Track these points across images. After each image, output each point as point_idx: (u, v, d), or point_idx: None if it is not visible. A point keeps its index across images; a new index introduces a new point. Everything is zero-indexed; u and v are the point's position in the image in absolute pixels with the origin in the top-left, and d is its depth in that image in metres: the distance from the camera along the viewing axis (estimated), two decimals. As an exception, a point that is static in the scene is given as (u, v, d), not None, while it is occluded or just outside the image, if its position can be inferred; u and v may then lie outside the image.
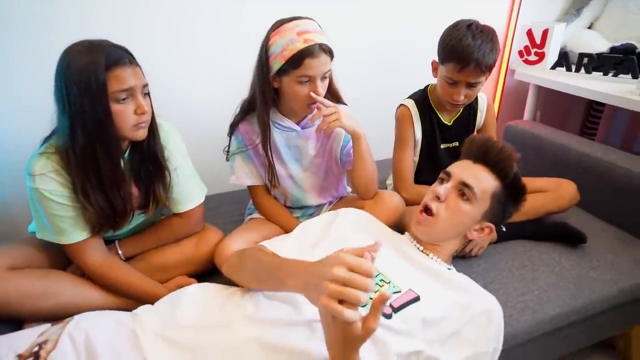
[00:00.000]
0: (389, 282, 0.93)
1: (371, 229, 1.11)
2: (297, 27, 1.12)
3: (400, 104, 1.46)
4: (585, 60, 1.85)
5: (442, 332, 0.88)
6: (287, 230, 1.30)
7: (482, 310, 0.91)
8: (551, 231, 1.37)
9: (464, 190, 1.01)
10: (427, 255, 1.06)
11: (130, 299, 1.12)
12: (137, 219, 1.18)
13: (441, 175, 1.09)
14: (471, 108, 1.47)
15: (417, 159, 1.47)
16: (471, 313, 0.90)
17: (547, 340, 1.19)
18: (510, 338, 1.05)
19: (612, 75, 1.80)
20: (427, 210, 1.05)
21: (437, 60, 1.34)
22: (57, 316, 0.94)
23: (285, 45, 1.10)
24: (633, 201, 1.43)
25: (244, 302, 0.90)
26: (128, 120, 0.99)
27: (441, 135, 1.46)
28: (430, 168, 1.43)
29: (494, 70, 1.46)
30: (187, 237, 1.25)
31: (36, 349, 0.83)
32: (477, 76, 1.26)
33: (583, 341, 1.32)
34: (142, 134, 1.04)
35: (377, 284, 0.92)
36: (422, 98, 1.45)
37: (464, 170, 1.05)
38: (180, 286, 1.14)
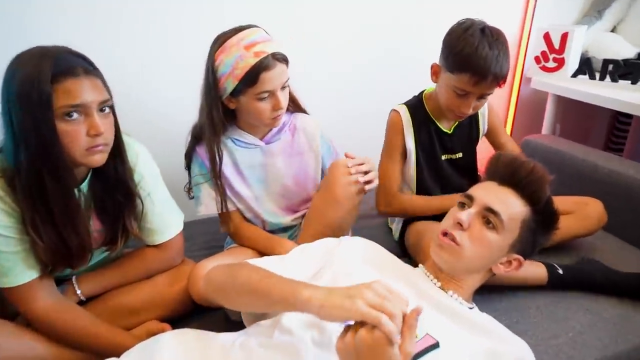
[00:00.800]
0: None
1: (380, 262, 1.03)
2: (242, 41, 1.08)
3: (392, 109, 1.39)
4: (611, 67, 1.79)
5: None
6: (273, 251, 1.21)
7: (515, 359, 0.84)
8: (629, 285, 1.20)
9: (489, 217, 0.93)
10: (446, 292, 0.97)
11: (89, 353, 1.01)
12: (99, 255, 1.09)
13: (461, 199, 1.00)
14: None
15: (413, 172, 1.39)
16: None
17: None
18: None
19: (642, 84, 1.74)
20: (448, 236, 0.96)
21: (438, 64, 1.27)
22: None
23: (235, 63, 1.07)
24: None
25: (232, 353, 0.82)
26: (79, 142, 0.89)
27: (441, 145, 1.39)
28: (432, 182, 1.39)
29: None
30: (160, 274, 1.16)
31: None
32: (491, 88, 1.21)
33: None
34: (98, 159, 0.93)
35: None
36: (416, 105, 1.38)
37: (489, 193, 0.96)
38: (152, 333, 1.04)
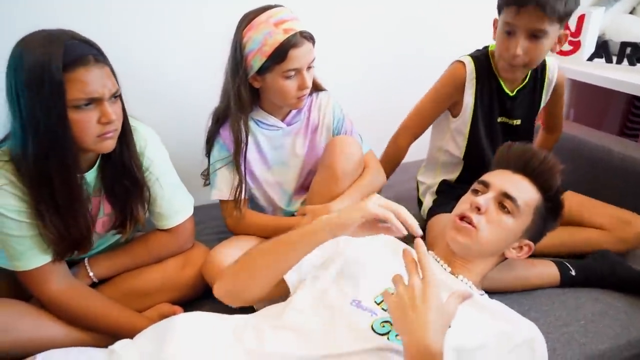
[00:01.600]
0: None
1: (390, 247, 1.04)
2: (271, 18, 1.07)
3: (457, 60, 1.32)
4: (629, 50, 1.74)
5: None
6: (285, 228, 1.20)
7: (523, 340, 0.85)
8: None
9: (504, 203, 0.96)
10: (457, 277, 0.98)
11: (102, 334, 1.02)
12: (111, 238, 1.10)
13: (475, 186, 1.02)
14: (537, 76, 1.32)
15: (467, 129, 1.33)
16: (512, 343, 0.84)
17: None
18: None
19: (660, 68, 1.70)
20: (465, 219, 0.98)
21: (497, 17, 1.22)
22: (15, 355, 0.87)
23: (264, 39, 1.06)
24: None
25: (244, 334, 0.83)
26: (90, 130, 0.89)
27: (500, 106, 1.33)
28: (486, 142, 1.33)
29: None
30: (172, 257, 1.16)
31: None
32: (539, 21, 1.11)
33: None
34: (108, 145, 0.93)
35: None
36: (482, 58, 1.30)
37: (505, 180, 0.99)
38: (164, 316, 1.08)
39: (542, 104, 1.37)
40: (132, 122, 1.02)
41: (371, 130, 1.44)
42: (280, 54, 1.06)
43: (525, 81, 1.31)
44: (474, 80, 1.29)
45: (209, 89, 1.24)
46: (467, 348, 0.81)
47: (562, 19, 1.14)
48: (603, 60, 1.82)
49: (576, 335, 1.07)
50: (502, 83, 1.30)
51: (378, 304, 0.88)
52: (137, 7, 1.39)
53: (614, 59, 1.78)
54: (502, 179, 0.99)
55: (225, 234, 1.36)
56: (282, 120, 1.23)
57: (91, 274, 1.08)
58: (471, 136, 1.34)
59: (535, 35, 1.14)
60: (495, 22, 1.24)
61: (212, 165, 1.23)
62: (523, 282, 1.16)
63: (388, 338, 0.81)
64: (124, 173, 1.02)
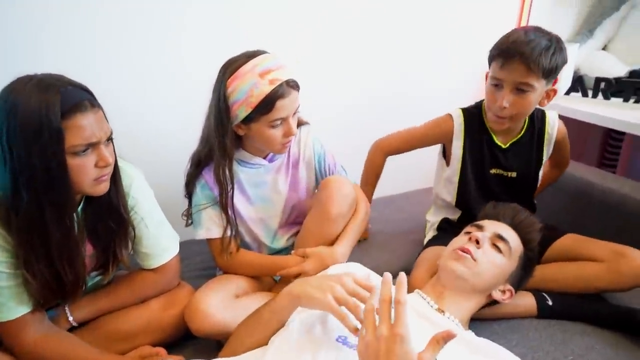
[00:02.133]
0: None
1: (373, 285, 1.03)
2: (257, 67, 1.07)
3: (447, 113, 1.36)
4: (603, 85, 1.81)
5: None
6: (277, 267, 1.22)
7: None
8: (614, 318, 1.16)
9: (497, 243, 1.03)
10: (443, 314, 0.98)
11: None
12: (93, 279, 1.07)
13: (469, 228, 1.09)
14: (535, 130, 1.32)
15: (456, 180, 1.37)
16: None
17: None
18: None
19: (634, 102, 1.75)
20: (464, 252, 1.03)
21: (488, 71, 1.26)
22: None
23: (250, 91, 1.05)
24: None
25: None
26: (88, 174, 0.89)
27: (492, 158, 1.33)
28: (477, 194, 1.35)
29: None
30: (155, 298, 1.13)
31: None
32: (523, 76, 1.13)
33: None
34: (104, 188, 0.93)
35: None
36: (474, 112, 1.33)
37: (497, 225, 1.08)
38: (144, 358, 1.05)
39: (545, 158, 1.36)
40: (119, 161, 1.01)
41: (355, 161, 1.46)
42: (266, 105, 1.06)
43: (521, 134, 1.32)
44: (463, 133, 1.32)
45: (188, 128, 1.23)
46: None
47: (548, 74, 1.15)
48: (579, 94, 1.87)
49: (565, 371, 1.05)
50: (493, 136, 1.32)
51: None
52: (119, 50, 1.40)
53: (590, 93, 1.84)
54: (494, 224, 1.08)
55: (210, 270, 1.35)
56: (264, 158, 1.23)
57: (70, 318, 1.04)
58: (460, 186, 1.37)
59: (520, 89, 1.16)
60: (487, 75, 1.26)
61: (195, 206, 1.20)
62: (498, 310, 1.14)
63: None
64: (109, 213, 1.00)
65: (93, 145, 0.88)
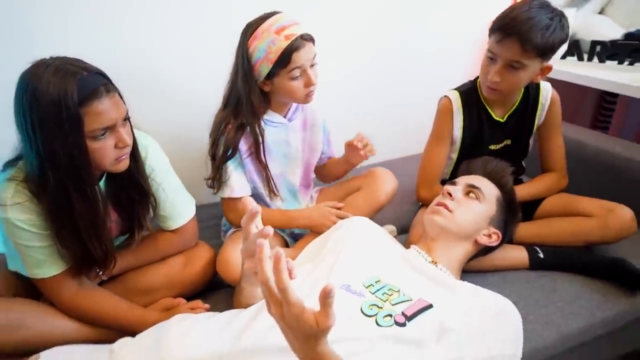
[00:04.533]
0: (398, 291, 0.92)
1: (377, 241, 1.10)
2: (272, 26, 1.10)
3: (444, 95, 1.34)
4: (598, 48, 1.78)
5: (458, 339, 0.83)
6: (289, 224, 1.30)
7: (496, 312, 0.89)
8: (601, 268, 1.18)
9: (471, 191, 1.09)
10: (436, 265, 1.03)
11: (110, 330, 1.03)
12: (120, 240, 1.12)
13: (446, 186, 1.12)
14: (529, 99, 1.31)
15: (455, 155, 1.37)
16: (484, 315, 0.88)
17: (573, 354, 1.13)
18: (535, 354, 1.02)
19: (628, 64, 1.73)
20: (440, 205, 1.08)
21: None
22: (26, 350, 0.87)
23: (268, 47, 1.09)
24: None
25: (230, 324, 0.85)
26: (108, 155, 0.91)
27: (491, 133, 1.32)
28: None
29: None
30: (176, 256, 1.18)
31: None
32: (517, 54, 1.11)
33: (609, 355, 1.26)
34: (124, 165, 0.96)
35: (385, 293, 0.91)
36: (469, 90, 1.32)
37: (469, 177, 1.14)
38: (167, 309, 1.11)
39: (536, 125, 1.35)
40: (135, 132, 1.02)
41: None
42: (284, 58, 1.09)
43: (516, 105, 1.31)
44: (462, 114, 1.31)
45: (206, 94, 1.24)
46: (448, 325, 0.84)
47: (543, 54, 1.13)
48: (575, 58, 1.85)
49: (553, 316, 1.09)
50: (490, 111, 1.31)
51: (366, 287, 0.92)
52: (137, 18, 1.38)
53: (585, 57, 1.82)
54: (466, 177, 1.14)
55: (224, 231, 1.38)
56: (284, 117, 1.26)
57: (100, 273, 1.08)
58: (458, 162, 1.35)
59: (512, 66, 1.15)
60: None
61: (223, 167, 1.21)
62: (492, 263, 1.18)
63: (376, 321, 0.83)
64: (130, 184, 1.03)
65: (111, 128, 0.90)
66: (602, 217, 1.20)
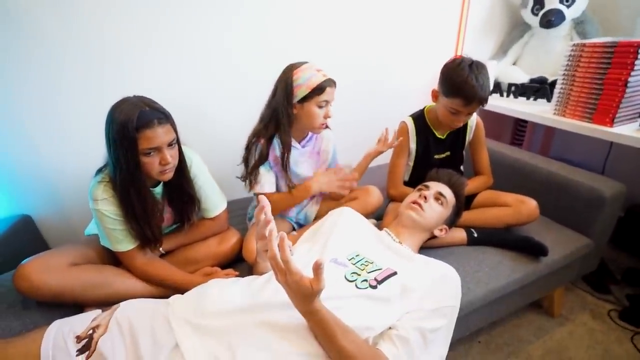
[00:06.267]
0: (372, 262, 0.92)
1: (358, 226, 1.10)
2: (314, 66, 1.13)
3: (402, 121, 1.37)
4: (513, 88, 1.83)
5: (416, 296, 0.84)
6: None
7: (442, 274, 0.91)
8: (515, 243, 1.21)
9: (439, 197, 1.10)
10: (401, 244, 1.05)
11: (168, 288, 1.06)
12: (171, 227, 1.15)
13: (420, 186, 1.13)
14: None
15: (412, 163, 1.39)
16: (433, 277, 0.89)
17: (495, 304, 1.16)
18: (469, 304, 1.06)
19: (533, 100, 1.78)
20: (416, 203, 1.08)
21: (437, 90, 1.25)
22: (110, 302, 0.90)
23: (310, 78, 1.10)
24: (552, 193, 1.40)
25: (252, 283, 0.86)
26: (154, 169, 0.95)
27: (435, 147, 1.36)
28: (424, 173, 1.30)
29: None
30: (213, 237, 1.20)
31: (90, 332, 0.79)
32: (477, 108, 1.20)
33: (521, 303, 1.29)
34: (167, 177, 0.99)
35: (363, 264, 0.91)
36: (419, 117, 1.36)
37: (439, 186, 1.14)
38: (208, 273, 1.12)
39: (467, 142, 1.39)
40: (183, 147, 1.05)
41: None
42: (320, 88, 1.10)
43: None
44: (415, 134, 1.35)
45: (235, 122, 1.26)
46: (408, 286, 0.86)
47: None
48: (498, 95, 1.90)
49: (483, 277, 1.12)
50: (435, 132, 1.36)
51: (349, 260, 0.93)
52: (190, 62, 1.40)
53: (505, 94, 1.87)
54: (436, 185, 1.14)
55: (249, 219, 1.38)
56: (299, 143, 1.24)
57: (161, 248, 1.11)
58: (414, 169, 1.40)
59: (470, 113, 1.22)
60: (434, 92, 1.26)
61: (256, 170, 1.19)
62: (441, 241, 1.21)
63: (356, 285, 0.85)
64: (181, 193, 1.07)
65: (158, 149, 0.93)
66: (516, 207, 1.23)
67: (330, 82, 1.12)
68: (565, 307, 1.47)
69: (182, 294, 0.91)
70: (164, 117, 0.94)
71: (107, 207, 0.96)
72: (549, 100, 1.70)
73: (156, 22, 1.30)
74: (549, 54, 1.80)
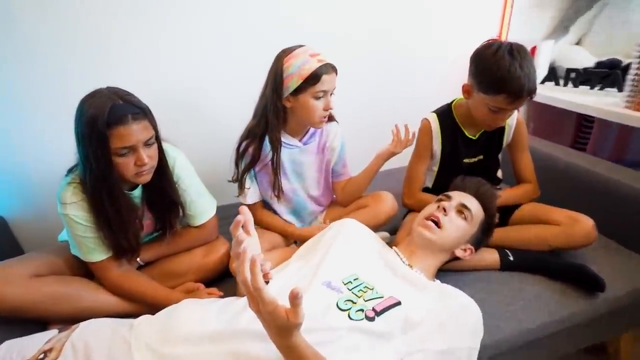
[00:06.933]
0: (372, 289, 0.86)
1: (361, 240, 1.03)
2: (307, 51, 1.05)
3: (424, 117, 1.25)
4: (573, 75, 1.64)
5: (421, 333, 0.78)
6: (285, 234, 1.24)
7: (457, 308, 0.83)
8: (563, 271, 1.08)
9: (463, 211, 0.99)
10: (411, 268, 0.96)
11: (143, 305, 1.03)
12: (152, 235, 1.12)
13: (440, 196, 1.03)
14: None
15: (436, 168, 1.27)
16: (447, 312, 0.82)
17: (532, 349, 1.02)
18: (496, 346, 0.94)
19: (599, 89, 1.58)
20: (433, 221, 0.98)
21: (469, 84, 1.12)
22: (78, 319, 0.88)
23: (301, 65, 1.03)
24: (621, 211, 1.22)
25: (227, 310, 0.82)
26: (129, 170, 0.91)
27: (465, 149, 1.23)
28: (450, 179, 1.18)
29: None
30: (198, 247, 1.15)
31: (41, 356, 0.76)
32: (524, 103, 1.06)
33: (569, 348, 1.13)
34: (144, 179, 0.94)
35: (361, 289, 0.86)
36: (445, 113, 1.23)
37: (463, 196, 1.03)
38: (190, 291, 1.09)
39: (504, 144, 1.26)
40: (164, 144, 1.01)
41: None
42: (314, 77, 1.03)
43: None
44: (440, 132, 1.24)
45: (230, 116, 1.21)
46: (413, 320, 0.79)
47: None
48: (553, 83, 1.72)
49: (517, 313, 1.00)
50: (464, 130, 1.23)
51: (345, 284, 0.86)
52: (176, 51, 1.38)
53: (561, 82, 1.69)
54: (460, 195, 1.03)
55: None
56: (299, 140, 1.19)
57: (138, 259, 1.09)
58: (439, 174, 1.29)
59: (515, 108, 1.09)
60: (466, 87, 1.14)
61: (244, 178, 1.18)
62: (468, 264, 1.09)
63: (349, 315, 0.79)
64: (162, 194, 1.03)
65: (132, 149, 0.88)
66: (567, 226, 1.09)
67: (328, 68, 1.04)
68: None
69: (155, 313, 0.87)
70: (140, 112, 0.89)
71: (77, 212, 0.93)
72: (620, 89, 1.52)
73: (145, 8, 1.27)
74: (627, 29, 1.60)
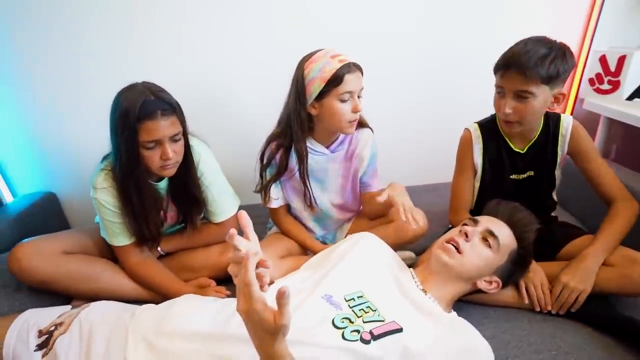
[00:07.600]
0: (375, 310, 0.86)
1: (378, 257, 1.03)
2: (328, 53, 1.07)
3: (465, 128, 1.25)
4: (670, 92, 1.48)
5: None
6: (304, 246, 1.27)
7: (466, 348, 0.80)
8: (613, 322, 1.00)
9: (488, 238, 0.96)
10: (425, 294, 0.94)
11: (157, 293, 1.14)
12: (174, 227, 1.22)
13: (466, 221, 1.00)
14: (550, 132, 1.16)
15: (477, 184, 1.24)
16: (453, 349, 0.79)
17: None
18: None
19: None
20: (454, 246, 0.96)
21: None
22: (97, 298, 1.00)
23: (322, 68, 1.05)
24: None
25: (225, 307, 0.86)
26: (154, 163, 1.00)
27: (511, 164, 1.19)
28: (494, 198, 1.13)
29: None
30: (216, 244, 1.23)
31: (52, 328, 0.87)
32: (521, 83, 1.01)
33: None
34: (168, 173, 1.04)
35: (362, 309, 0.86)
36: (488, 122, 1.22)
37: (491, 221, 0.99)
38: (201, 286, 1.17)
39: (559, 157, 1.18)
40: (191, 140, 1.09)
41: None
42: (337, 78, 1.04)
43: (536, 137, 1.16)
44: (481, 143, 1.20)
45: (260, 113, 1.28)
46: (413, 351, 0.78)
47: (548, 80, 1.00)
48: (643, 100, 1.56)
49: (545, 363, 0.91)
50: (509, 142, 1.18)
51: (346, 301, 0.87)
52: (210, 48, 1.49)
53: (655, 100, 1.53)
54: (489, 220, 0.99)
55: (261, 226, 1.42)
56: (327, 148, 1.20)
57: (159, 248, 1.20)
58: (481, 191, 1.25)
59: (521, 96, 1.04)
60: None
61: (268, 179, 1.22)
62: (497, 297, 1.05)
63: (343, 334, 0.79)
64: (185, 190, 1.12)
65: (159, 143, 0.98)
66: (624, 267, 1.00)
67: (350, 68, 1.04)
68: None
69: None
70: (170, 108, 0.98)
71: (106, 197, 1.04)
72: None
73: (183, 8, 1.40)
74: None
